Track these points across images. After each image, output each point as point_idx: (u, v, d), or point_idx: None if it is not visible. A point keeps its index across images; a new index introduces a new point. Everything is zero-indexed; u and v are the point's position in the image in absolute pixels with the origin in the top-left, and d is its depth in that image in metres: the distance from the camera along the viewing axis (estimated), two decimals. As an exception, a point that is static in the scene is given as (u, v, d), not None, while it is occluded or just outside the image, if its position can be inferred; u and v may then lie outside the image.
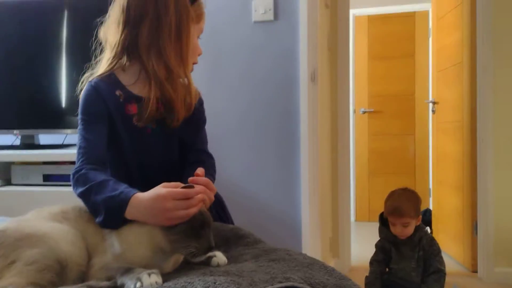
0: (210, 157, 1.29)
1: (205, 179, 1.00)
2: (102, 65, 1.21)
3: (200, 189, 0.93)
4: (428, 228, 3.66)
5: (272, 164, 2.15)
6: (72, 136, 2.38)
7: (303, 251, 2.13)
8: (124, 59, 1.19)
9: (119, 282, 0.79)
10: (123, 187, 0.99)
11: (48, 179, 2.06)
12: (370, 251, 2.42)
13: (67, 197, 1.98)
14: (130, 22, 1.15)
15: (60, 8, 2.29)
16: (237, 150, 2.18)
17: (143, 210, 0.92)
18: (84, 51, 2.33)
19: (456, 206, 3.20)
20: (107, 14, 1.23)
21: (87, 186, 1.03)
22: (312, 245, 2.15)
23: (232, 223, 1.41)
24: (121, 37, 1.16)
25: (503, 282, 2.67)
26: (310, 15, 2.12)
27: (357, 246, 3.34)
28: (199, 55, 1.27)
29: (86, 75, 1.23)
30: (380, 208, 4.47)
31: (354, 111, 4.63)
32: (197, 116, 1.28)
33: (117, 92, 1.16)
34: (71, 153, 2.06)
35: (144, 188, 0.98)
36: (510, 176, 2.72)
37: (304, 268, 0.81)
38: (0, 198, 2.06)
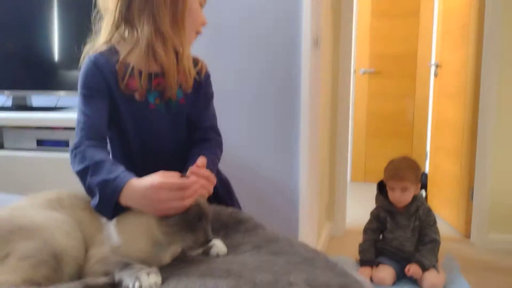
0: (217, 134, 1.25)
1: (205, 172, 0.96)
2: (102, 34, 1.15)
3: (196, 179, 0.89)
4: (423, 191, 3.70)
5: (272, 130, 2.11)
6: (65, 98, 2.32)
7: (300, 218, 2.14)
8: (123, 27, 1.12)
9: (116, 278, 0.76)
10: (119, 171, 0.95)
11: (42, 144, 2.02)
12: (365, 212, 2.44)
13: (60, 163, 1.96)
14: None
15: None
16: (236, 116, 2.13)
17: (137, 199, 0.88)
18: (77, 9, 2.24)
19: (453, 171, 3.20)
20: None
21: (83, 166, 0.98)
22: (308, 212, 2.15)
23: (239, 206, 1.38)
24: (117, 3, 1.10)
25: (495, 248, 2.72)
26: (314, -25, 2.00)
27: (352, 207, 3.37)
28: (203, 24, 1.19)
29: (86, 47, 1.16)
30: (376, 169, 4.49)
31: (355, 71, 4.54)
32: (203, 91, 1.22)
33: (118, 67, 1.10)
34: (65, 118, 2.01)
35: (147, 171, 0.94)
36: (509, 145, 2.70)
37: (307, 266, 0.79)
38: (-7, 162, 2.03)
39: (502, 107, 2.73)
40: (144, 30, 1.08)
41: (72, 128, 1.99)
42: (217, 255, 0.90)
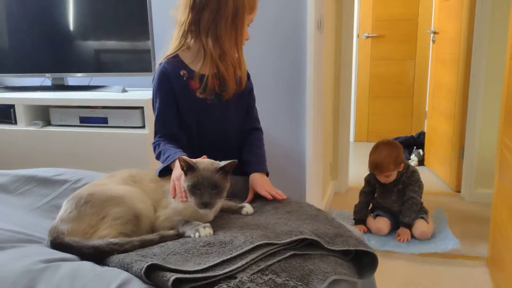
0: (259, 123, 1.62)
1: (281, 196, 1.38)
2: (173, 42, 1.45)
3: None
4: (420, 150, 4.01)
5: (281, 102, 2.39)
6: (96, 78, 2.62)
7: (307, 180, 2.47)
8: (189, 38, 1.42)
9: (181, 230, 1.10)
10: (177, 151, 1.34)
11: (84, 121, 2.33)
12: (367, 170, 2.75)
13: (100, 137, 2.28)
14: (195, 8, 1.37)
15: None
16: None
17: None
18: (109, 3, 2.50)
19: (446, 132, 3.50)
20: None
21: (158, 152, 1.40)
22: (315, 174, 2.48)
23: None
24: (187, 18, 1.39)
25: (482, 201, 3.04)
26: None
27: (356, 165, 3.68)
28: (246, 39, 1.48)
29: (160, 54, 1.48)
30: (378, 129, 4.79)
31: (358, 36, 4.74)
32: (248, 88, 1.55)
33: (182, 72, 1.42)
34: (103, 98, 2.31)
35: (204, 150, 1.31)
36: (496, 109, 2.96)
37: (312, 221, 1.12)
38: (42, 137, 2.35)
39: (491, 75, 2.97)
40: (209, 45, 1.38)
41: (107, 107, 2.30)
42: (247, 214, 1.24)
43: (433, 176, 3.67)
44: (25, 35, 2.56)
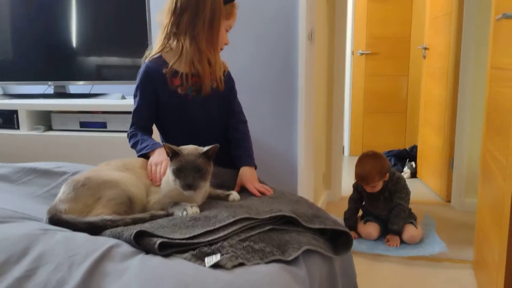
0: (244, 116, 1.74)
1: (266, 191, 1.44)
2: (156, 43, 1.58)
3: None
4: (413, 163, 4.09)
5: (273, 112, 2.49)
6: (96, 87, 2.73)
7: (299, 186, 2.55)
8: (171, 39, 1.54)
9: (170, 211, 1.18)
10: (154, 142, 1.49)
11: (84, 125, 2.43)
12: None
13: (99, 141, 2.37)
14: (177, 11, 1.50)
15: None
16: (244, 99, 2.50)
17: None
18: (109, 14, 2.62)
19: (437, 144, 3.59)
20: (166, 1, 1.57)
21: (134, 141, 1.52)
22: (306, 181, 2.56)
23: None
24: (169, 21, 1.52)
25: (472, 210, 3.09)
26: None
27: (350, 177, 3.75)
28: (226, 44, 1.62)
29: (146, 53, 1.60)
30: (372, 143, 4.89)
31: (352, 53, 4.88)
32: (229, 85, 1.66)
33: (164, 70, 1.53)
34: (103, 104, 2.42)
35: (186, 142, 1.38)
36: (483, 120, 3.06)
37: (293, 204, 1.21)
38: (44, 141, 2.45)
39: (478, 86, 3.07)
40: (186, 46, 1.50)
41: (107, 112, 2.40)
42: (233, 200, 1.33)
43: (425, 188, 3.74)
44: (29, 45, 2.67)
